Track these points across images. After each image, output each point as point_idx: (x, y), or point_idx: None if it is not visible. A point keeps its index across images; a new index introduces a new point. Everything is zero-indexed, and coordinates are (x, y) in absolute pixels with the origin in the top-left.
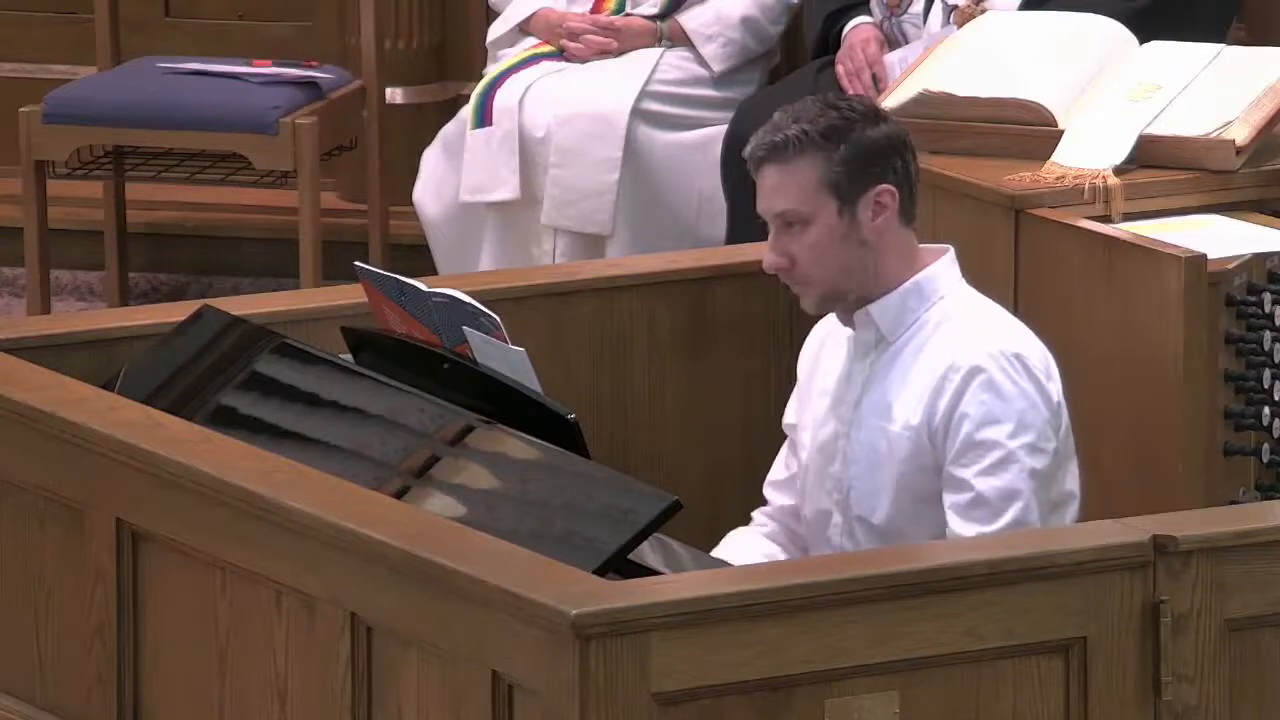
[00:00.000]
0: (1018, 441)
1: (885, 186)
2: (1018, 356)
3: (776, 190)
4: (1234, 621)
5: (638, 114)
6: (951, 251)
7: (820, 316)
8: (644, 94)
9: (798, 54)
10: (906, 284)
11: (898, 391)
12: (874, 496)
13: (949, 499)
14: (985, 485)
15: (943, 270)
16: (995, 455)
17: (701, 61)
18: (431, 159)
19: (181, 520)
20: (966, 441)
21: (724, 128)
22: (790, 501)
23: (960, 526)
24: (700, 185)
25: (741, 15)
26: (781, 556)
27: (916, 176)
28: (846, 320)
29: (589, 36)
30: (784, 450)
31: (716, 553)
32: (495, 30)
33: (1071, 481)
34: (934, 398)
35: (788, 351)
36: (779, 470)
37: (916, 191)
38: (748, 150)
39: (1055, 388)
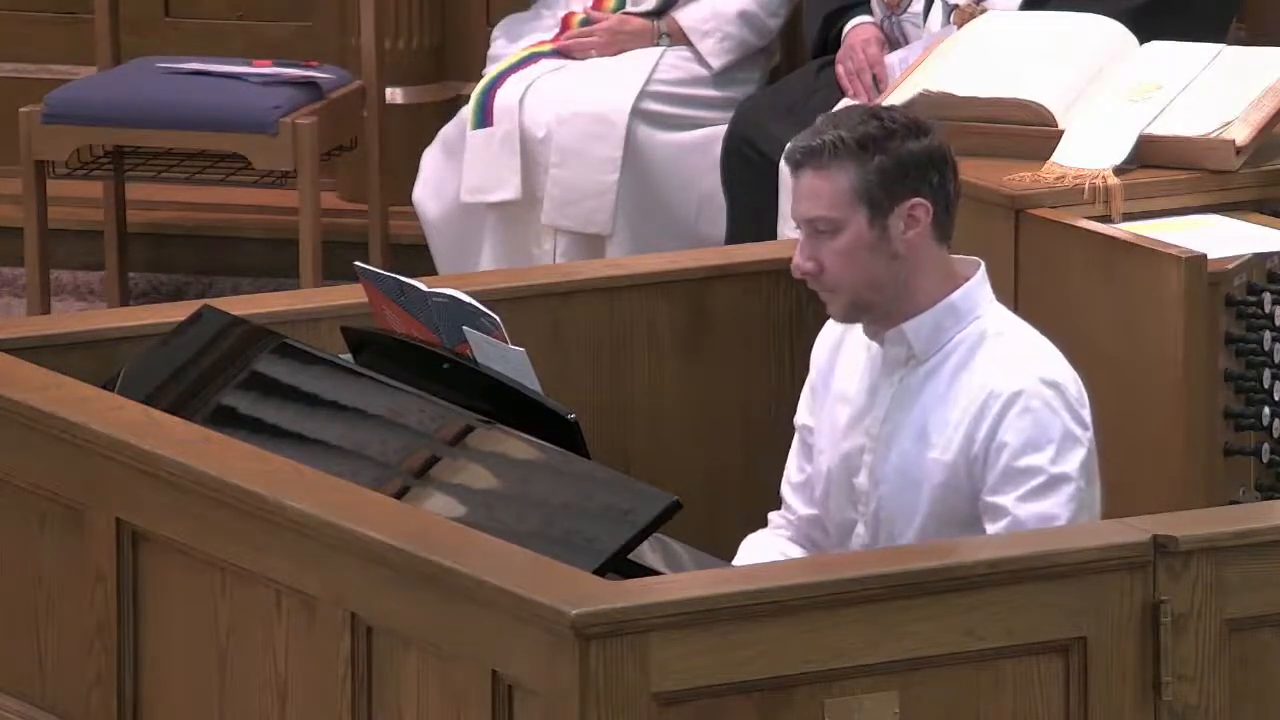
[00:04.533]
0: (1059, 468)
1: (919, 200)
2: (1057, 384)
3: (809, 195)
4: (1234, 621)
5: (638, 114)
6: (983, 267)
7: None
8: (644, 94)
9: (798, 53)
10: (941, 304)
11: (933, 415)
12: (904, 518)
13: (989, 527)
14: (1024, 510)
15: (975, 288)
16: (1036, 481)
17: (702, 61)
18: (431, 159)
19: (181, 520)
20: (1006, 470)
21: (724, 127)
22: (810, 511)
23: None
24: (700, 185)
25: (738, 10)
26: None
27: (956, 194)
28: (874, 334)
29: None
30: (796, 449)
31: (738, 560)
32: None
33: (1097, 506)
34: (974, 425)
35: (788, 351)
36: (794, 471)
37: (955, 209)
38: (786, 151)
39: (1088, 415)
